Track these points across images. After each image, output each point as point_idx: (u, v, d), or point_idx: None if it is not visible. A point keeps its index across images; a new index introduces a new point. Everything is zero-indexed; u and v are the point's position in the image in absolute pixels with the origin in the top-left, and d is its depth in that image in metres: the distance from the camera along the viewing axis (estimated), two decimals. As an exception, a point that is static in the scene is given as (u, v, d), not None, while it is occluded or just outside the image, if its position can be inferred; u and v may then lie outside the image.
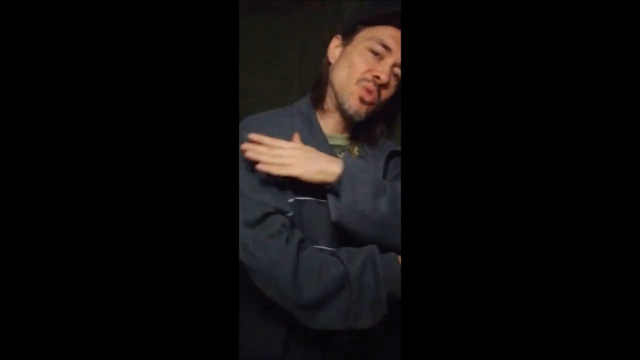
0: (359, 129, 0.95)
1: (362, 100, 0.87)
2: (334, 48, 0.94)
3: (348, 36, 0.91)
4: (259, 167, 0.76)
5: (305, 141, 0.83)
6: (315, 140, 0.86)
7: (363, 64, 0.86)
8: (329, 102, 0.92)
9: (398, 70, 0.88)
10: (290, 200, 0.79)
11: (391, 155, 0.93)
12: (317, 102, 0.93)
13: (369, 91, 0.86)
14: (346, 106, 0.88)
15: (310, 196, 0.81)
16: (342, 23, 1.04)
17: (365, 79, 0.86)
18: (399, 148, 0.94)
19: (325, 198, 0.80)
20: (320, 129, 0.90)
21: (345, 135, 0.94)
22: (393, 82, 0.89)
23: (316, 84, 0.94)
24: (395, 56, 0.86)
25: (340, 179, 0.77)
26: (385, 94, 0.89)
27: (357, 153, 0.94)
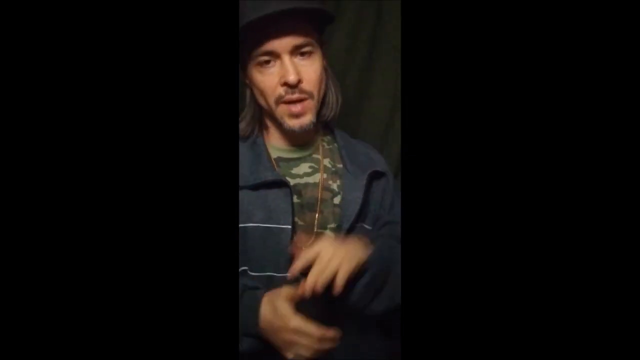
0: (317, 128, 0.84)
1: (296, 116, 0.76)
2: (241, 72, 0.82)
3: (242, 57, 0.80)
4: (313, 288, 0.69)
5: (250, 165, 0.78)
6: (260, 165, 0.79)
7: (268, 83, 0.76)
8: (269, 122, 0.83)
9: (301, 50, 0.75)
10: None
11: (374, 175, 0.83)
12: (257, 126, 0.84)
13: (292, 102, 0.76)
14: (289, 128, 0.77)
15: (252, 222, 0.76)
16: (342, 23, 1.04)
17: (281, 95, 0.75)
18: (379, 167, 0.85)
19: (268, 223, 0.75)
20: (263, 151, 0.81)
21: (311, 138, 0.84)
22: (306, 64, 0.76)
23: (246, 111, 0.83)
24: (285, 48, 0.74)
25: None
26: (308, 82, 0.76)
27: (329, 165, 0.84)
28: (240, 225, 0.74)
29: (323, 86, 0.80)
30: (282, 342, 0.69)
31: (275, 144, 0.83)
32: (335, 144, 0.86)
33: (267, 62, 0.75)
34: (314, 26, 0.77)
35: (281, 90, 0.75)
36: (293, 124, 0.77)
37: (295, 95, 0.75)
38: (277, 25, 0.72)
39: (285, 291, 0.69)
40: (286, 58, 0.74)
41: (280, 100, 0.76)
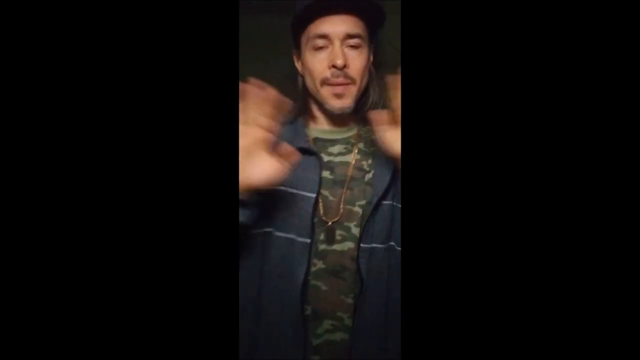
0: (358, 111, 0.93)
1: (337, 96, 0.86)
2: (297, 62, 0.94)
3: (297, 46, 0.91)
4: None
5: (287, 140, 0.83)
6: (296, 137, 0.88)
7: (317, 65, 0.86)
8: (313, 106, 0.93)
9: (351, 41, 0.85)
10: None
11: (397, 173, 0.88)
12: (303, 113, 0.93)
13: (337, 85, 0.85)
14: (330, 108, 0.87)
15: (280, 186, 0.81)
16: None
17: (327, 77, 0.85)
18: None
19: (295, 189, 0.82)
20: (302, 129, 0.90)
21: (350, 125, 0.94)
22: (353, 54, 0.86)
23: (296, 99, 0.92)
24: (338, 35, 0.84)
25: None
26: (354, 68, 0.86)
27: (363, 148, 0.91)
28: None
29: (366, 78, 0.89)
30: None
31: (315, 127, 0.94)
32: (372, 134, 0.92)
33: (320, 47, 0.85)
34: (366, 24, 0.87)
35: (328, 72, 0.85)
36: (334, 104, 0.87)
37: (340, 79, 0.85)
38: (333, 12, 0.83)
39: None
40: (337, 44, 0.84)
41: (325, 82, 0.86)
